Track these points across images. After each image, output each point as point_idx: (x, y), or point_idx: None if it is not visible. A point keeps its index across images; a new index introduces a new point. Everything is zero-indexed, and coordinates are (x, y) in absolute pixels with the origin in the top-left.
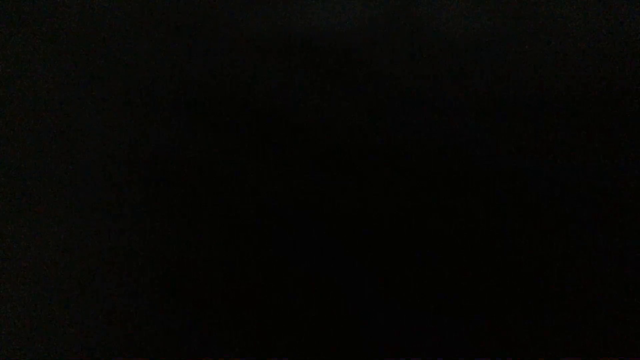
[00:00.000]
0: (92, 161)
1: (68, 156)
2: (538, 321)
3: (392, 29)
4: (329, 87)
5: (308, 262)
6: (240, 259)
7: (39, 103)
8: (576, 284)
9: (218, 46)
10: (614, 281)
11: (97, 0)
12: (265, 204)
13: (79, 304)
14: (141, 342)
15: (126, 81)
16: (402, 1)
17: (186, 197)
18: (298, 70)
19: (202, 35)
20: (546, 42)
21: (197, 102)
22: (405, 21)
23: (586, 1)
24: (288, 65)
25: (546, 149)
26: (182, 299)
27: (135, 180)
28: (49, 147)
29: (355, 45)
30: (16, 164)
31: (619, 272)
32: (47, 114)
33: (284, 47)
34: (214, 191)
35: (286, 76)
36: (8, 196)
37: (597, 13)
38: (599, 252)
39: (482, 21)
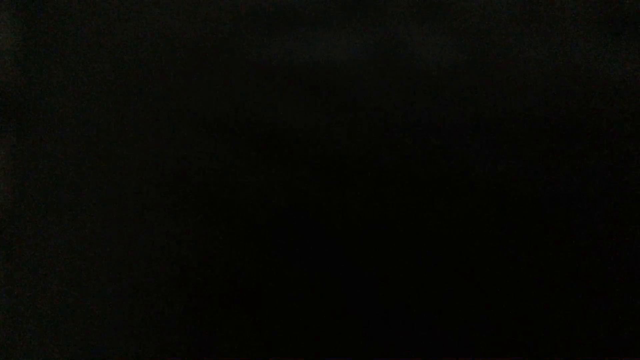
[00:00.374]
0: (116, 171)
1: (96, 167)
2: (538, 322)
3: (384, 63)
4: (329, 112)
5: (308, 263)
6: (242, 261)
7: (77, 119)
8: (575, 285)
9: (232, 75)
10: (614, 283)
11: (127, 35)
12: (268, 208)
13: (96, 305)
14: (143, 342)
15: (152, 105)
16: (393, 39)
17: (197, 205)
18: (302, 96)
19: (220, 65)
20: (514, 71)
21: (213, 122)
22: (397, 56)
23: (548, 36)
24: (293, 92)
25: (528, 164)
26: (184, 300)
27: (153, 189)
28: (80, 158)
29: (352, 75)
30: (50, 174)
31: (619, 275)
32: (85, 132)
33: (290, 77)
34: (221, 198)
35: (291, 101)
36: (44, 203)
37: (559, 45)
38: (598, 256)
39: (461, 55)
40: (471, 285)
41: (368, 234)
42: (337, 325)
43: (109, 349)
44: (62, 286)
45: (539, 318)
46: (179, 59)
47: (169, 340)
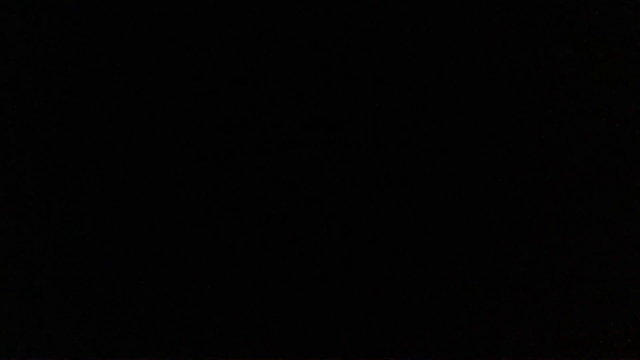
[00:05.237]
0: (97, 162)
1: (69, 158)
2: (537, 322)
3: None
4: (332, 95)
5: (307, 263)
6: (241, 260)
7: (41, 103)
8: (573, 286)
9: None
10: (614, 283)
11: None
12: (266, 205)
13: (81, 304)
14: (141, 342)
15: (134, 85)
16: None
17: (189, 198)
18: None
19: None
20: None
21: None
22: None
23: None
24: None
25: (541, 141)
26: (182, 299)
27: (138, 181)
28: (56, 149)
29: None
30: (18, 164)
31: (619, 274)
32: (49, 113)
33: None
34: (217, 192)
35: (291, 81)
36: (12, 198)
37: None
38: (597, 255)
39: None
40: (471, 286)
41: (368, 235)
42: (337, 324)
43: (102, 348)
44: (53, 286)
45: (537, 319)
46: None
47: (167, 340)
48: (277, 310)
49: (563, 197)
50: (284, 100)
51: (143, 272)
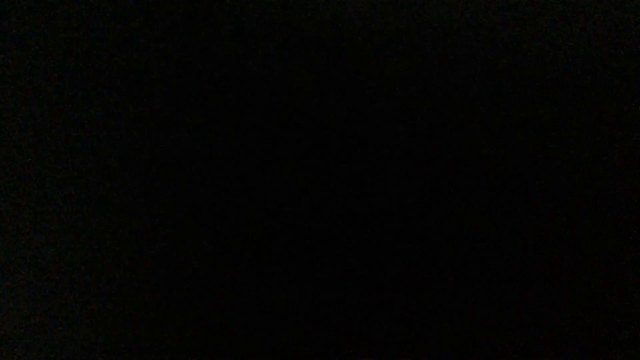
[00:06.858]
0: (95, 161)
1: (70, 156)
2: (537, 323)
3: (395, 24)
4: (334, 83)
5: (308, 262)
6: (241, 260)
7: (42, 103)
8: (574, 285)
9: (222, 42)
10: (614, 282)
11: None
12: (266, 203)
13: (79, 305)
14: (140, 342)
15: (131, 80)
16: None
17: (189, 198)
18: (304, 66)
19: (205, 32)
20: (540, 31)
21: (202, 101)
22: (408, 16)
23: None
24: (294, 61)
25: (543, 141)
26: (180, 299)
27: (137, 180)
28: (51, 148)
29: (360, 39)
30: (18, 164)
31: (619, 273)
32: (50, 114)
33: (291, 43)
34: (217, 191)
35: (292, 72)
36: (11, 196)
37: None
38: (598, 253)
39: (478, 13)
40: (470, 286)
41: (368, 233)
42: (337, 324)
43: (103, 351)
44: (52, 287)
45: (537, 319)
46: (162, 30)
47: (167, 340)
48: (276, 310)
49: (564, 197)
50: (284, 101)
51: (142, 272)
